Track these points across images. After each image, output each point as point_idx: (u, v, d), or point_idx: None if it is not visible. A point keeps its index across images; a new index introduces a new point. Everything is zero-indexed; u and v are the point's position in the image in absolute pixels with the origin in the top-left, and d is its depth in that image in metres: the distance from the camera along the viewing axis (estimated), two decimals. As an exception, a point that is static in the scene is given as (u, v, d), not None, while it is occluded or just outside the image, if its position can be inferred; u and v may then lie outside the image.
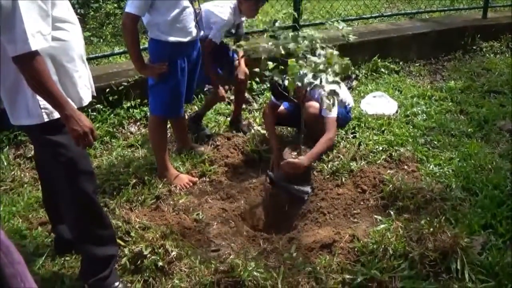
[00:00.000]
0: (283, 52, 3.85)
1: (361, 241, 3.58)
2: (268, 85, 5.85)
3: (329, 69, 3.74)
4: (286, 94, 4.37)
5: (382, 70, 7.04)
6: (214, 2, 4.99)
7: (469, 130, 5.30)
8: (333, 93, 3.87)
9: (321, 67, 3.73)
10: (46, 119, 2.93)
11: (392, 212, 3.94)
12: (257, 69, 4.24)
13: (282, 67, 4.02)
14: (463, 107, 5.89)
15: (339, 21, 4.07)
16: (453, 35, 7.89)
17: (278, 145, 4.82)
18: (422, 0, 9.31)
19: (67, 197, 3.14)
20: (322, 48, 3.83)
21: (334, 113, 4.60)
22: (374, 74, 6.96)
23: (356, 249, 3.53)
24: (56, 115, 2.88)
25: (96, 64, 6.61)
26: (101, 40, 7.55)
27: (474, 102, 6.02)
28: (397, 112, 5.77)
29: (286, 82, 3.91)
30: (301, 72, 3.71)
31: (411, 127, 5.39)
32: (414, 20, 8.56)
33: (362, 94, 6.27)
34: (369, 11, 8.63)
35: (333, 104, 4.03)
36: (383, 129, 5.31)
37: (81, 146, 2.89)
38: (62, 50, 2.96)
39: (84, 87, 3.17)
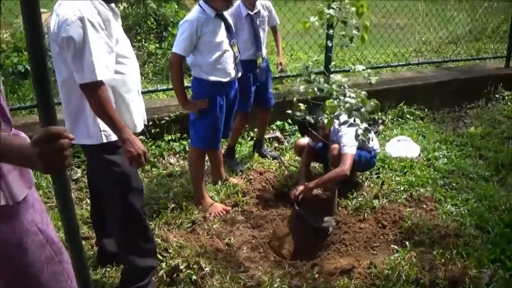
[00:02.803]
0: (318, 93, 4.22)
1: (378, 268, 3.92)
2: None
3: (362, 109, 4.11)
4: (313, 132, 4.75)
5: (408, 116, 7.35)
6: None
7: (486, 173, 5.59)
8: (367, 130, 4.23)
9: (355, 107, 4.11)
10: (104, 140, 3.31)
11: (407, 244, 4.26)
12: (289, 111, 4.63)
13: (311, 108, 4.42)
14: (483, 152, 6.18)
15: (361, 66, 4.43)
16: (476, 83, 8.15)
17: (305, 182, 5.11)
18: (449, 50, 9.65)
19: (118, 211, 3.51)
20: (352, 91, 4.20)
21: (352, 150, 4.90)
22: (400, 119, 7.27)
23: (372, 274, 3.86)
24: (113, 137, 3.26)
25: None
26: (143, 78, 7.96)
27: (493, 147, 6.30)
28: (419, 155, 6.09)
29: (325, 121, 4.26)
30: (337, 112, 4.10)
31: (432, 170, 5.71)
32: (439, 69, 8.85)
33: (387, 138, 6.60)
34: (397, 59, 9.01)
35: (368, 141, 4.36)
36: (405, 171, 5.64)
37: (134, 166, 3.27)
38: (122, 82, 3.35)
39: (139, 116, 3.56)
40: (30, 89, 6.25)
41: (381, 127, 7.02)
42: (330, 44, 6.72)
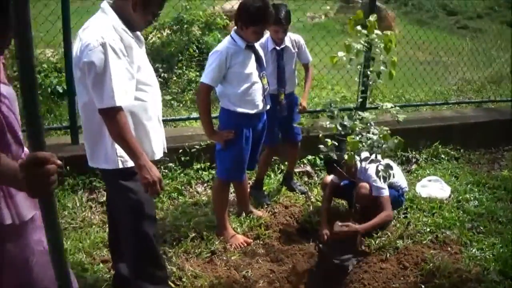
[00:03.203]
0: (340, 129, 4.21)
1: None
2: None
3: (384, 145, 4.09)
4: (339, 169, 4.72)
5: (442, 156, 7.22)
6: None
7: (516, 218, 5.45)
8: (388, 166, 4.20)
9: (376, 143, 4.10)
10: (120, 166, 3.37)
11: (423, 287, 4.18)
12: (320, 146, 4.62)
13: (337, 143, 4.39)
14: (515, 196, 6.03)
15: (390, 103, 4.40)
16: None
17: (326, 221, 5.08)
18: (490, 90, 9.51)
19: (130, 237, 3.57)
20: (376, 128, 4.19)
21: (386, 192, 4.92)
22: (434, 159, 7.15)
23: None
24: (130, 163, 3.31)
25: (174, 127, 7.13)
26: (181, 105, 8.05)
27: (527, 192, 6.15)
28: (449, 197, 5.99)
29: (346, 156, 4.25)
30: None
31: (461, 212, 5.60)
32: (479, 109, 8.71)
33: (419, 178, 6.49)
34: (436, 97, 8.91)
35: (388, 178, 4.33)
36: (434, 212, 5.55)
37: (149, 193, 3.30)
38: (142, 109, 3.41)
39: (158, 143, 3.62)
40: (67, 109, 6.38)
41: (414, 166, 6.93)
42: (365, 80, 6.66)
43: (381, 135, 4.03)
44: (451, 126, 7.63)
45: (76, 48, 3.24)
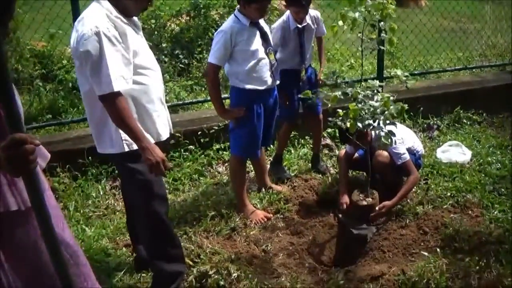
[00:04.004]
0: (342, 97, 4.23)
1: (407, 275, 3.86)
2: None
3: (386, 112, 4.10)
4: (351, 138, 4.70)
5: (464, 121, 7.15)
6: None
7: (540, 179, 5.37)
8: (391, 133, 4.20)
9: (379, 110, 4.10)
10: (126, 149, 3.45)
11: (438, 250, 4.19)
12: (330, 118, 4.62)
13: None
14: (539, 157, 5.93)
15: (399, 70, 4.39)
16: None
17: (346, 191, 5.05)
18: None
19: (142, 218, 3.66)
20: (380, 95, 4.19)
21: (407, 155, 4.90)
22: (456, 124, 7.09)
23: (400, 281, 3.82)
24: (135, 146, 3.38)
25: (193, 109, 7.21)
26: (203, 89, 8.10)
27: (551, 151, 6.04)
28: (471, 160, 5.94)
29: (348, 124, 4.27)
30: (360, 115, 4.10)
31: (483, 175, 5.55)
32: (502, 72, 8.59)
33: (440, 144, 6.44)
34: (460, 63, 8.81)
35: (390, 144, 4.33)
36: (454, 176, 5.52)
37: (154, 173, 3.39)
38: (142, 93, 3.49)
39: (162, 125, 3.68)
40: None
41: (435, 133, 6.87)
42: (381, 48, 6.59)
43: (382, 102, 4.03)
44: (472, 90, 7.55)
45: (73, 39, 3.34)
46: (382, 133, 4.18)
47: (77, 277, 2.56)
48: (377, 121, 4.16)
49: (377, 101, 4.11)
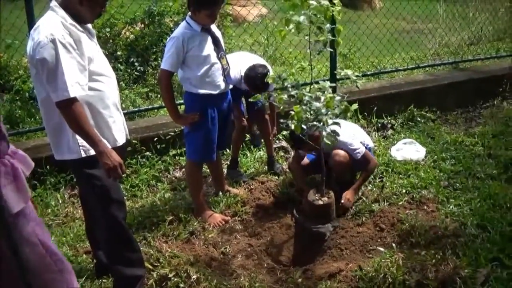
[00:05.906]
0: (289, 99, 4.29)
1: (364, 270, 3.91)
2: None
3: (329, 112, 4.16)
4: (305, 141, 4.72)
5: (418, 119, 7.22)
6: None
7: (494, 172, 5.48)
8: (334, 133, 4.26)
9: (323, 110, 4.16)
10: (83, 154, 3.48)
11: (394, 246, 4.25)
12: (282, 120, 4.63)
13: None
14: (493, 151, 6.03)
15: (349, 71, 4.43)
16: (491, 83, 7.98)
17: (308, 189, 5.07)
18: (467, 51, 9.53)
19: (101, 223, 3.69)
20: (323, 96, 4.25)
21: (363, 148, 5.04)
22: (410, 123, 7.16)
23: (357, 277, 3.86)
24: (92, 152, 3.42)
25: (148, 116, 7.17)
26: (158, 96, 8.05)
27: (504, 146, 6.15)
28: (425, 157, 6.02)
29: (293, 126, 4.31)
30: (304, 116, 4.15)
31: (438, 171, 5.64)
32: (454, 70, 8.68)
33: (395, 142, 6.49)
34: (412, 63, 8.91)
35: (333, 143, 4.37)
36: (409, 173, 5.59)
37: (112, 178, 3.41)
38: (98, 99, 3.53)
39: (118, 131, 3.71)
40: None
41: (390, 131, 6.95)
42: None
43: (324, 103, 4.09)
44: (425, 89, 7.66)
45: (29, 47, 3.36)
46: (324, 133, 4.24)
47: (60, 283, 2.62)
48: (321, 122, 4.21)
49: (323, 102, 4.16)
